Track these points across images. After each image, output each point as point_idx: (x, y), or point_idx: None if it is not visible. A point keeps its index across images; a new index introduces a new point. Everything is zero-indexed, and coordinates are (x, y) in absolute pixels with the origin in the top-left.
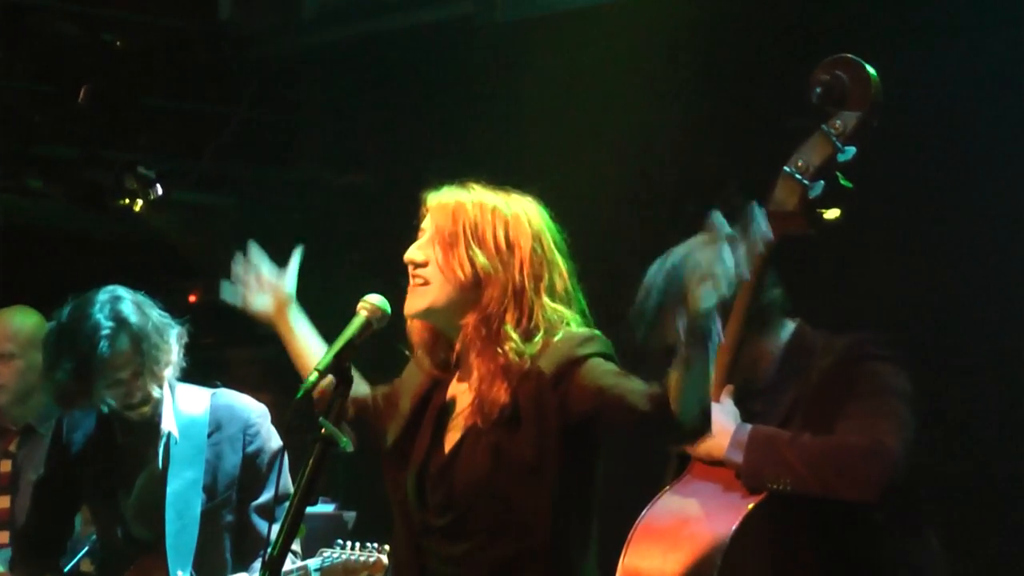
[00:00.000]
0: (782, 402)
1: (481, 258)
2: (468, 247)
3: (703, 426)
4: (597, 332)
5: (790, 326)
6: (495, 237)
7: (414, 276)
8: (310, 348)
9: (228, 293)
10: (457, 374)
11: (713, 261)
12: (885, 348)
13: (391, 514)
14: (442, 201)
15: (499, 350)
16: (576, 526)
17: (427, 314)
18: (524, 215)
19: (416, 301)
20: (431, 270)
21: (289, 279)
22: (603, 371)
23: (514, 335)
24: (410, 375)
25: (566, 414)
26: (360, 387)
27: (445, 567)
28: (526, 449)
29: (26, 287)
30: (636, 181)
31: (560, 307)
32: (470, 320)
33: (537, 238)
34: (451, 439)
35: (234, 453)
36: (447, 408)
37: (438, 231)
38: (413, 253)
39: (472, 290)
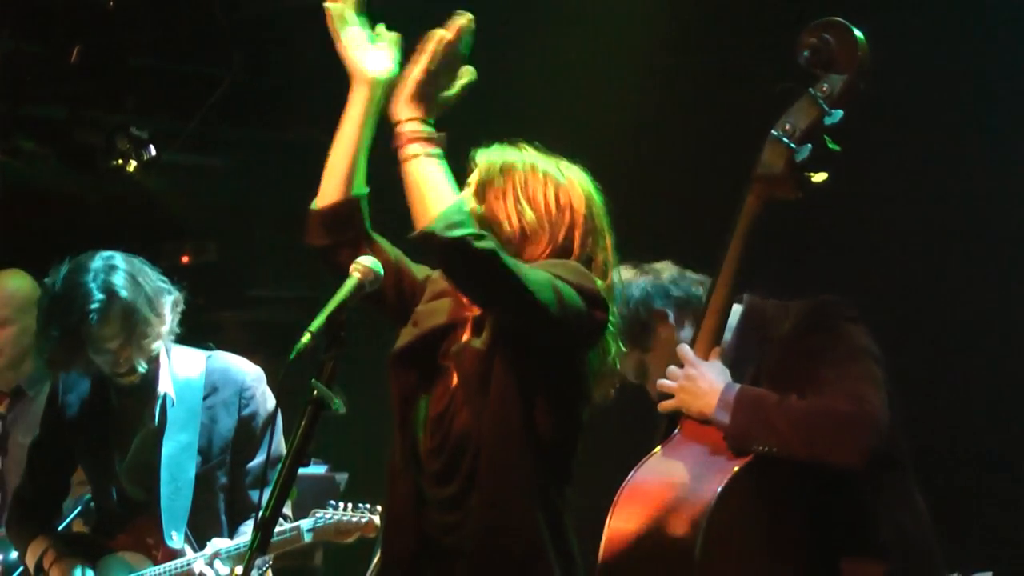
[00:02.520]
0: (745, 373)
1: (529, 214)
2: (517, 201)
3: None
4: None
5: (738, 304)
6: (546, 197)
7: None
8: (361, 144)
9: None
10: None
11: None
12: (852, 310)
13: (383, 475)
14: (491, 157)
15: None
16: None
17: None
18: (577, 181)
19: None
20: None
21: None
22: None
23: None
24: (437, 289)
25: None
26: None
27: (443, 535)
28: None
29: (19, 249)
30: (626, 141)
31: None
32: None
33: (588, 206)
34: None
35: (229, 416)
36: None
37: (485, 184)
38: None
39: (516, 244)
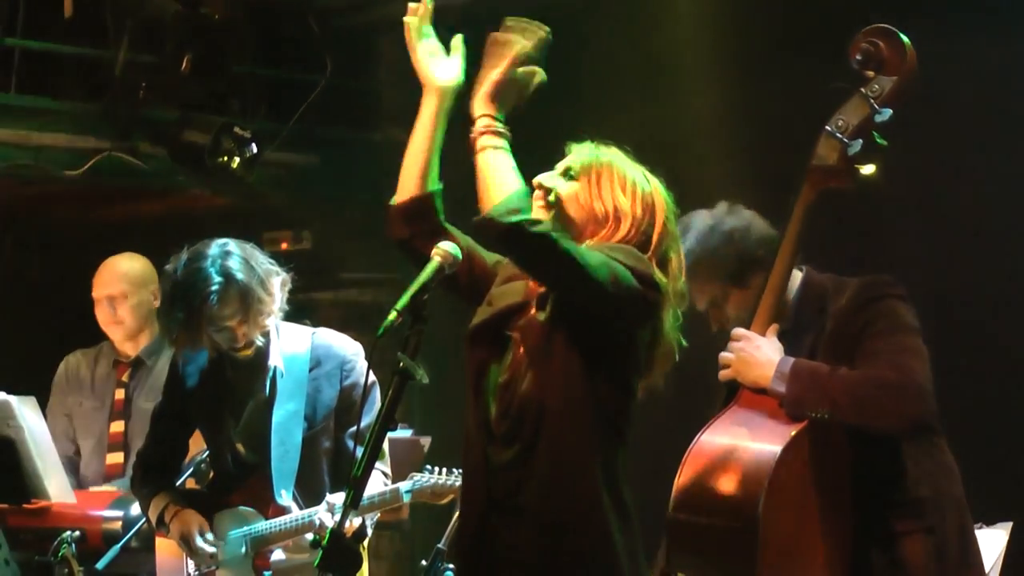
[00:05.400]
0: (803, 344)
1: (624, 200)
2: (612, 187)
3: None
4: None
5: (799, 273)
6: (635, 194)
7: (537, 199)
8: (433, 144)
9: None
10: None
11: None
12: (898, 287)
13: (461, 438)
14: (590, 150)
15: None
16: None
17: None
18: (659, 190)
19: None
20: (554, 197)
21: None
22: None
23: None
24: (508, 274)
25: None
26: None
27: (508, 495)
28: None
29: (140, 236)
30: (685, 140)
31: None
32: None
33: (667, 215)
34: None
35: (331, 387)
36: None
37: (583, 165)
38: (543, 177)
39: (603, 225)
